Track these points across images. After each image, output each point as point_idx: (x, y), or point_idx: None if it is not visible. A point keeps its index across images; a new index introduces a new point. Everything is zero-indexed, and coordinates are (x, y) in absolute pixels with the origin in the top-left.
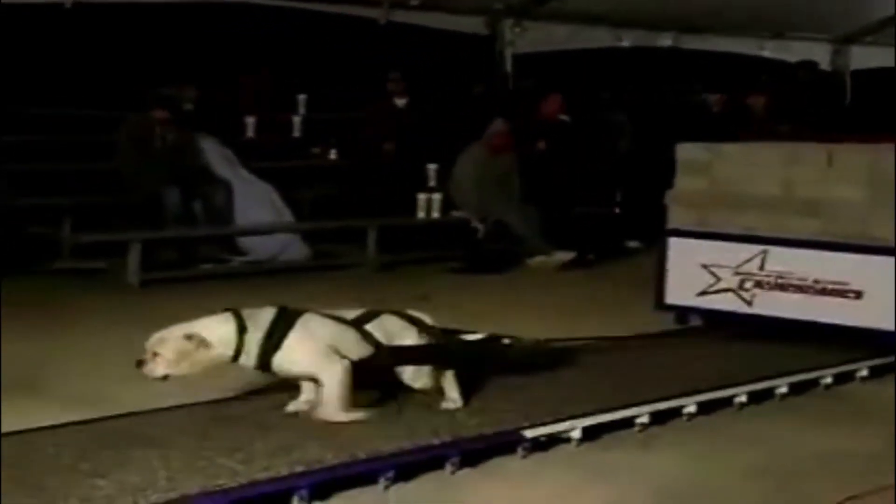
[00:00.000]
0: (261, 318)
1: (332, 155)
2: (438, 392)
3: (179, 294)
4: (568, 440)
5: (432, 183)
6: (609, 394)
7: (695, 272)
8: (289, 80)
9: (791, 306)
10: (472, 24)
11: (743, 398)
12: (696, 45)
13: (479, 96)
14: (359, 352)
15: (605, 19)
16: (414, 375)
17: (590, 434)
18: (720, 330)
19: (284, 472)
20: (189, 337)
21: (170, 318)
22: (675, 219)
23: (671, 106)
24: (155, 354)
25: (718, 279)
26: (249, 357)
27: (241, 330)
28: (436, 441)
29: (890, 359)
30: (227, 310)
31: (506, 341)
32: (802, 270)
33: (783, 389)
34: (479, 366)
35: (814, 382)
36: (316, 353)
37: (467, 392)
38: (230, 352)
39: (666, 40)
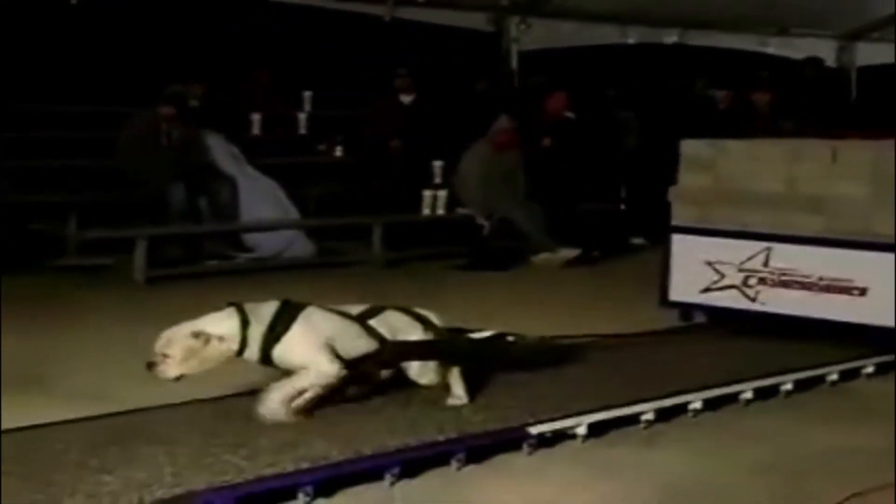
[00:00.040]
0: (263, 312)
1: (338, 151)
2: (444, 388)
3: (185, 291)
4: (573, 437)
5: (438, 180)
6: (614, 390)
7: (699, 269)
8: (294, 78)
9: (795, 303)
10: (477, 21)
11: (749, 395)
12: (702, 41)
13: (482, 93)
14: (362, 346)
15: (610, 16)
16: (420, 371)
17: (595, 430)
18: (724, 327)
19: (290, 468)
20: (196, 335)
21: (175, 315)
22: (679, 215)
23: (677, 102)
24: (164, 356)
25: (722, 276)
26: (252, 351)
27: (245, 324)
28: (441, 437)
29: (892, 356)
30: (230, 304)
31: (510, 338)
32: (806, 267)
33: (788, 386)
34: (484, 362)
35: (819, 379)
36: (315, 347)
37: (473, 389)
38: (235, 346)
39: (671, 37)
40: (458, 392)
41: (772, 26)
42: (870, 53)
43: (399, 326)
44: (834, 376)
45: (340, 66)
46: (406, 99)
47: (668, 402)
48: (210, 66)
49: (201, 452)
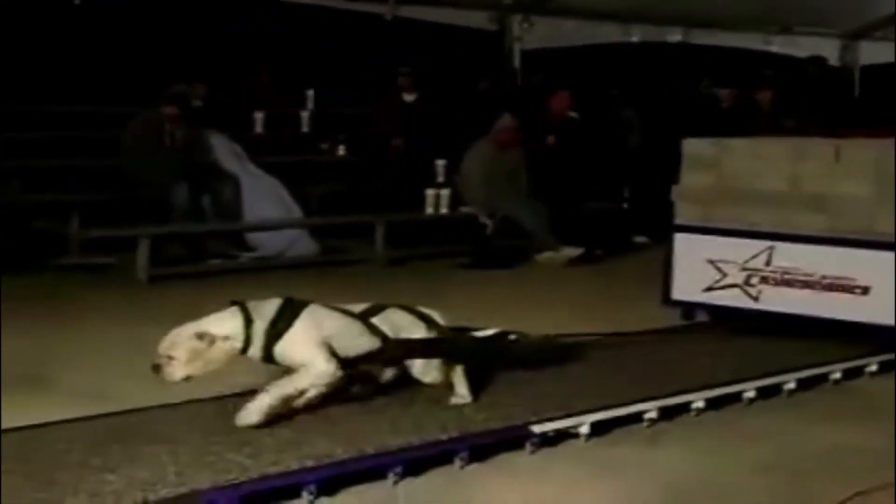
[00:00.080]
0: (266, 309)
1: (341, 150)
2: (447, 387)
3: (188, 290)
4: (576, 435)
5: (440, 178)
6: (616, 389)
7: (701, 268)
8: (297, 76)
9: (797, 302)
10: (480, 20)
11: (751, 394)
12: (705, 40)
13: (485, 92)
14: (364, 344)
15: (613, 14)
16: (424, 369)
17: (598, 429)
18: (726, 325)
19: (293, 466)
20: (201, 336)
21: (179, 314)
22: (682, 214)
23: (680, 101)
24: (169, 358)
25: (725, 275)
26: (256, 348)
27: (248, 322)
28: (444, 436)
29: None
30: (233, 303)
31: (512, 337)
32: (809, 266)
33: (791, 385)
34: (486, 361)
35: (822, 378)
36: (315, 345)
37: (476, 387)
38: (239, 344)
39: (675, 35)
40: (462, 391)
41: (775, 25)
42: (873, 52)
43: (401, 325)
44: (837, 375)
45: (343, 65)
46: (409, 97)
47: (671, 401)
48: (213, 66)
49: (204, 451)
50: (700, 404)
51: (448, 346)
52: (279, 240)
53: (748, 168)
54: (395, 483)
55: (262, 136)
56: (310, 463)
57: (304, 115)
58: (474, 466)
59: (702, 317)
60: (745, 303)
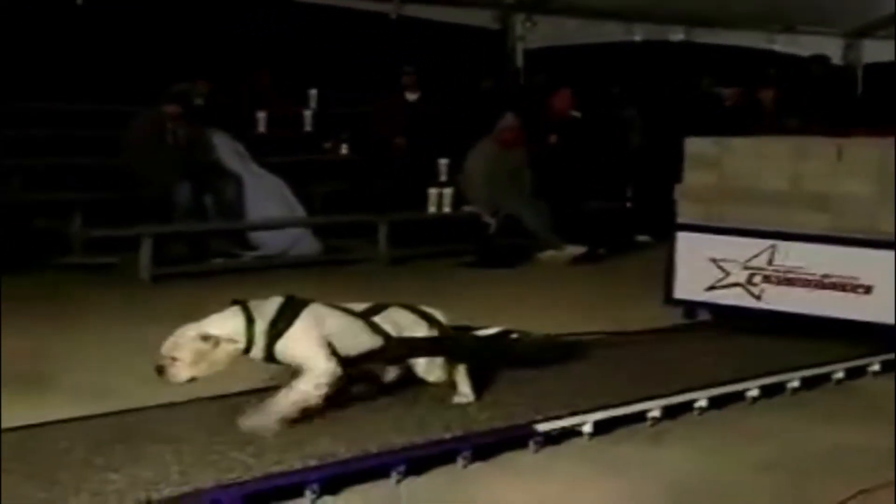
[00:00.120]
0: (267, 308)
1: (344, 149)
2: (451, 386)
3: (191, 289)
4: (579, 434)
5: (443, 178)
6: (619, 388)
7: (703, 267)
8: (300, 75)
9: (800, 301)
10: (483, 19)
11: (755, 393)
12: (708, 38)
13: (488, 91)
14: (366, 343)
15: (616, 13)
16: (427, 368)
17: (601, 428)
18: (728, 324)
19: (297, 465)
20: (204, 338)
21: (181, 313)
22: (684, 213)
23: (683, 100)
24: (173, 359)
25: (727, 274)
26: (258, 348)
27: (250, 321)
28: (447, 435)
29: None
30: (234, 302)
31: (514, 336)
32: (811, 265)
33: (795, 384)
34: (489, 360)
35: (825, 377)
36: (316, 343)
37: (479, 386)
38: (242, 345)
39: (678, 34)
40: (465, 390)
41: (778, 24)
42: (876, 51)
43: (403, 324)
44: (840, 374)
45: (346, 64)
46: (412, 97)
47: (674, 400)
48: (216, 66)
49: (208, 450)
50: (703, 403)
51: (450, 344)
52: (282, 239)
53: (750, 167)
54: (399, 482)
55: (265, 135)
56: (313, 462)
57: (307, 114)
58: (477, 465)
59: (703, 316)
60: (748, 302)
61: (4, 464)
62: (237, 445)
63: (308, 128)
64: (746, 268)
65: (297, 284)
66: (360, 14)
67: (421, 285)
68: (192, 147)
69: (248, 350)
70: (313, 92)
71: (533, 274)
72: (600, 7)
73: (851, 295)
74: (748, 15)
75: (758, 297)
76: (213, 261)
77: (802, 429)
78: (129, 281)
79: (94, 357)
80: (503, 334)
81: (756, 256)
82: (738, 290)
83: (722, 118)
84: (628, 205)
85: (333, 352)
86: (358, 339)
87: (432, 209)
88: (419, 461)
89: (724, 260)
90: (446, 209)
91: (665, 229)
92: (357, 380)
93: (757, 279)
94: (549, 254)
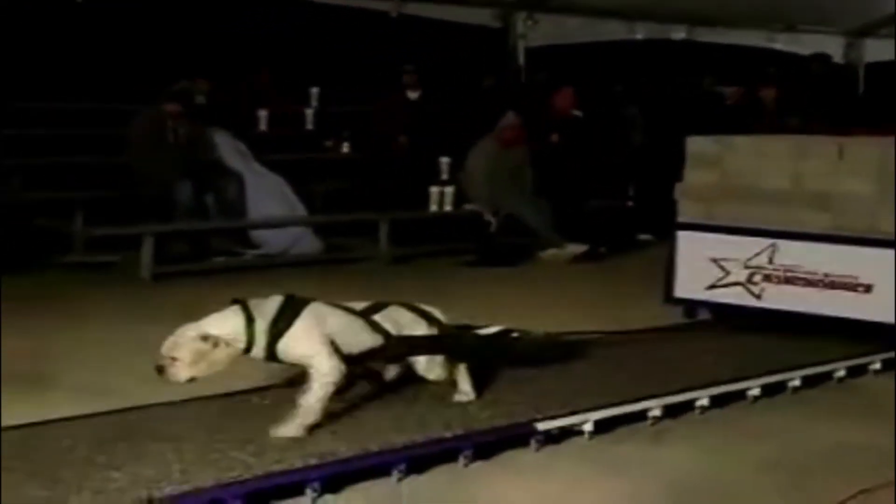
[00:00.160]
0: (267, 307)
1: (345, 148)
2: (451, 385)
3: (192, 287)
4: (580, 433)
5: (444, 176)
6: (619, 387)
7: (704, 266)
8: (301, 74)
9: (800, 300)
10: (484, 17)
11: (756, 391)
12: (710, 37)
13: (489, 89)
14: (367, 341)
15: (617, 12)
16: (428, 366)
17: (602, 427)
18: (729, 323)
19: (297, 464)
20: (204, 338)
21: (182, 312)
22: (685, 212)
23: (684, 99)
24: (173, 359)
25: (727, 273)
26: (259, 348)
27: (250, 321)
28: (448, 434)
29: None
30: (234, 302)
31: (515, 334)
32: (812, 264)
33: (796, 382)
34: (489, 358)
35: (826, 376)
36: (319, 343)
37: (479, 385)
38: (242, 345)
39: (679, 33)
40: (465, 388)
41: (780, 23)
42: (877, 50)
43: (403, 322)
44: (841, 373)
45: (347, 63)
46: (413, 95)
47: (675, 399)
48: (217, 64)
49: (209, 449)
50: (704, 402)
51: (450, 342)
52: (283, 237)
53: (751, 166)
54: (399, 481)
55: (266, 133)
56: (313, 461)
57: (309, 112)
58: (478, 464)
59: (704, 315)
60: (748, 301)
61: (7, 462)
62: (238, 444)
63: (309, 126)
64: (747, 267)
65: (298, 283)
66: (361, 12)
67: (422, 284)
68: (192, 145)
69: (248, 350)
70: (314, 90)
71: (534, 273)
72: (602, 5)
73: (852, 294)
74: (750, 14)
75: (758, 296)
76: (214, 259)
77: (804, 427)
78: (130, 280)
79: (94, 356)
80: (503, 333)
81: (756, 255)
82: (739, 289)
83: (723, 117)
84: (630, 203)
85: (336, 350)
86: (359, 338)
87: (433, 208)
88: (420, 460)
89: (724, 259)
90: (447, 208)
91: (667, 228)
92: (359, 378)
93: (757, 278)
94: (550, 252)
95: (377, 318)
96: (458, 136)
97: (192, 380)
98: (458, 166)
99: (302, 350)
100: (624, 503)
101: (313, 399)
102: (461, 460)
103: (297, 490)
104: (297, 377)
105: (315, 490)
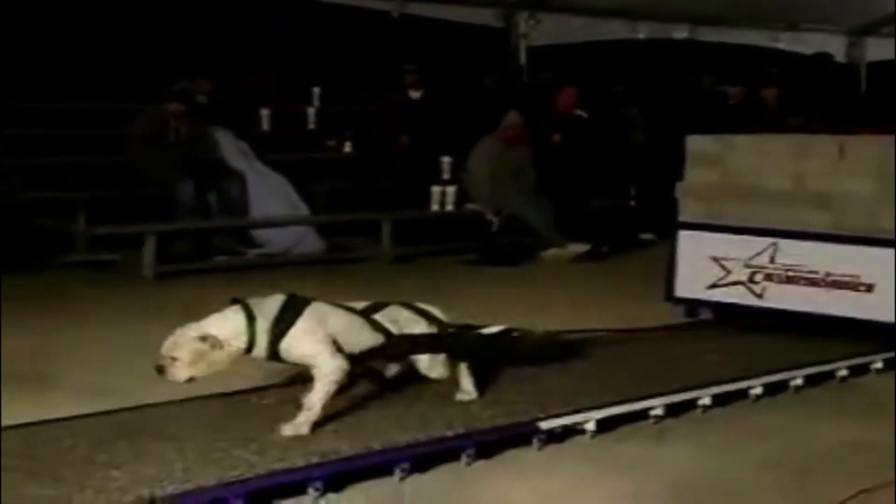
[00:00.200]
0: (269, 307)
1: (347, 148)
2: (453, 383)
3: (194, 286)
4: (582, 432)
5: (446, 176)
6: (620, 386)
7: (705, 265)
8: (303, 74)
9: (801, 299)
10: (486, 17)
11: (758, 390)
12: (712, 37)
13: (491, 89)
14: (368, 340)
15: (620, 11)
16: (430, 365)
17: (604, 426)
18: (730, 323)
19: (300, 463)
20: (203, 338)
21: (184, 311)
22: (686, 211)
23: (686, 98)
24: (173, 359)
25: (728, 272)
26: (260, 348)
27: (251, 320)
28: (450, 433)
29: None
30: (235, 301)
31: (516, 333)
32: (813, 263)
33: (798, 382)
34: (490, 357)
35: (828, 375)
36: (321, 342)
37: (481, 384)
38: (243, 345)
39: (682, 32)
40: (467, 387)
41: (782, 22)
42: (880, 49)
43: (403, 321)
44: (843, 372)
45: (349, 62)
46: (415, 95)
47: (677, 398)
48: (219, 64)
49: (211, 448)
50: (706, 401)
51: (452, 341)
52: (286, 237)
53: (752, 165)
54: (402, 479)
55: (269, 133)
56: (316, 459)
57: (311, 112)
58: (481, 463)
59: (705, 314)
60: (749, 300)
61: (8, 461)
62: (240, 443)
63: (311, 126)
64: (748, 266)
65: (300, 282)
66: (363, 12)
67: (424, 283)
68: (194, 145)
69: (249, 349)
70: (316, 90)
71: (536, 272)
72: (604, 5)
73: (853, 293)
74: (752, 13)
75: (759, 296)
76: (216, 259)
77: (806, 426)
78: (133, 279)
79: (95, 356)
80: (504, 332)
81: (758, 255)
82: (740, 288)
83: (725, 116)
84: (632, 203)
85: (338, 348)
86: (360, 337)
87: (435, 207)
88: (422, 458)
89: (725, 258)
90: (449, 207)
91: (669, 227)
92: (360, 377)
93: (758, 277)
94: (552, 252)
95: (377, 317)
96: (459, 135)
97: (191, 380)
98: (459, 166)
99: (304, 349)
100: (626, 502)
101: (317, 398)
102: (463, 459)
103: (300, 489)
104: (298, 376)
105: (317, 489)
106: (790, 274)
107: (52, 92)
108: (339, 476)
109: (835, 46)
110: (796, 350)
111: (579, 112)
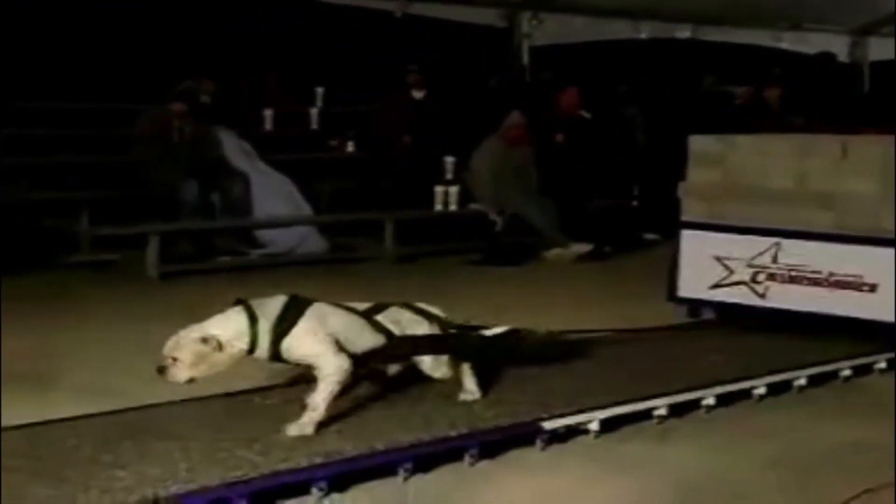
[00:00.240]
0: (271, 307)
1: (350, 147)
2: (456, 383)
3: (198, 286)
4: (586, 432)
5: (449, 176)
6: (624, 386)
7: (708, 265)
8: (306, 74)
9: (804, 299)
10: (488, 17)
11: (762, 390)
12: (715, 36)
13: (494, 89)
14: (369, 341)
15: (622, 11)
16: (433, 365)
17: (608, 426)
18: (733, 323)
19: (303, 463)
20: (205, 340)
21: (188, 311)
22: (688, 211)
23: (689, 98)
24: (174, 360)
25: (731, 272)
26: (263, 349)
27: (253, 321)
28: (454, 433)
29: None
30: (237, 302)
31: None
32: (816, 263)
33: (801, 382)
34: (493, 357)
35: (832, 375)
36: (324, 342)
37: (484, 384)
38: (245, 346)
39: (684, 32)
40: (470, 387)
41: (785, 21)
42: (882, 48)
43: (406, 323)
44: (846, 372)
45: (352, 62)
46: (417, 95)
47: (680, 398)
48: (222, 64)
49: (215, 448)
50: (710, 401)
51: (453, 341)
52: (289, 237)
53: (755, 165)
54: (405, 479)
55: (272, 133)
56: (319, 459)
57: (314, 112)
58: (484, 463)
59: (708, 314)
60: (752, 300)
61: (12, 462)
62: (244, 443)
63: (314, 126)
64: (751, 266)
65: (303, 282)
66: (365, 12)
67: (427, 283)
68: (198, 145)
69: (252, 350)
70: (319, 90)
71: (539, 272)
72: (607, 5)
73: (856, 293)
74: (755, 13)
75: (762, 296)
76: (219, 259)
77: (809, 426)
78: (136, 278)
79: (96, 356)
80: (508, 333)
81: (760, 254)
82: (743, 288)
83: (728, 116)
84: (634, 203)
85: (341, 348)
86: (362, 338)
87: (438, 207)
88: (426, 459)
89: (728, 258)
90: (452, 207)
91: (672, 227)
92: (362, 378)
93: (761, 277)
94: (555, 252)
95: (380, 318)
96: (462, 135)
97: (191, 381)
98: (462, 166)
99: (306, 349)
100: (630, 502)
101: (320, 398)
102: (467, 459)
103: (303, 489)
104: (300, 377)
105: (321, 489)
106: (793, 274)
107: (55, 92)
108: (343, 476)
109: (837, 46)
110: (799, 350)
111: (583, 112)
